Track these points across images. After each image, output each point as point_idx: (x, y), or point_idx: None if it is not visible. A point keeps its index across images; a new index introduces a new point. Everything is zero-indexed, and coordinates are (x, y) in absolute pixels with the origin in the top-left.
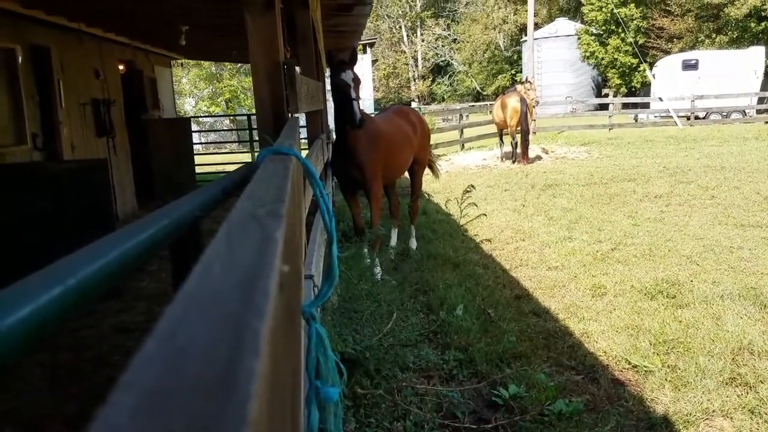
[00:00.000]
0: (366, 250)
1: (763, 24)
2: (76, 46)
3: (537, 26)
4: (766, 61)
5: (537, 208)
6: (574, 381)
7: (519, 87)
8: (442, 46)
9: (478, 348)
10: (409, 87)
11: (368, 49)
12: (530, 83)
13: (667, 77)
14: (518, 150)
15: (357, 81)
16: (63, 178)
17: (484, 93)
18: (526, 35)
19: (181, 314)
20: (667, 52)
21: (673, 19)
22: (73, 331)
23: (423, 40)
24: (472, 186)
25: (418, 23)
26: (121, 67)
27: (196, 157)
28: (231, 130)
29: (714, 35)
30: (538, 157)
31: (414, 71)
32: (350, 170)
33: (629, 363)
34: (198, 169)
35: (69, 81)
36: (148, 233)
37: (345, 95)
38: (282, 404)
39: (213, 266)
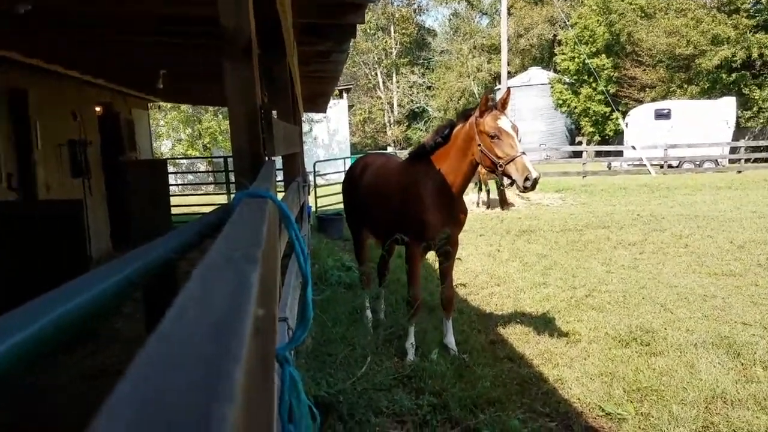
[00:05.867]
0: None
1: (733, 75)
2: (53, 88)
3: (510, 75)
4: (737, 112)
5: (512, 253)
6: (548, 428)
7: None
8: (418, 93)
9: (452, 393)
10: (385, 132)
11: (344, 94)
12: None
13: (639, 126)
14: (492, 196)
15: (516, 130)
16: (37, 218)
17: None
18: (500, 83)
19: (154, 358)
20: (640, 102)
21: (645, 69)
22: (44, 374)
23: (398, 87)
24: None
25: (394, 70)
26: (98, 109)
27: (172, 198)
28: (207, 171)
29: (685, 86)
30: (513, 204)
31: (390, 116)
32: (450, 226)
33: (603, 410)
34: (174, 211)
35: (46, 122)
36: (123, 274)
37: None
38: None
39: (187, 309)
